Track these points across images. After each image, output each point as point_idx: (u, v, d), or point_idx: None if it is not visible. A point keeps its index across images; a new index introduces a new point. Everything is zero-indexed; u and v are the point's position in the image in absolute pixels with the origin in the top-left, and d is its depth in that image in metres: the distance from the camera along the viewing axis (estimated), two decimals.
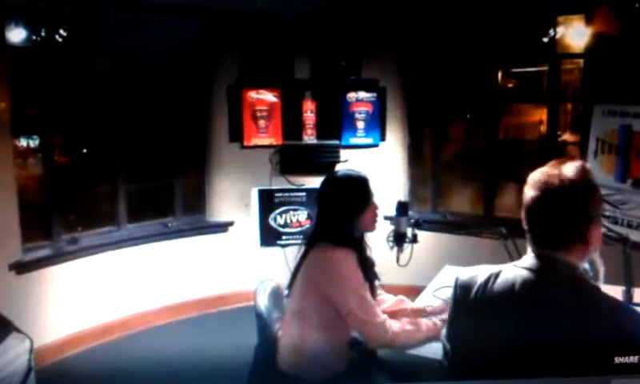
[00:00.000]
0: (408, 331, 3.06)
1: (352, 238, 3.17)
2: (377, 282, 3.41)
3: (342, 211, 3.19)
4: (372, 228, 3.28)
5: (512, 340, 1.98)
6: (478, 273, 2.15)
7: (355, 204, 3.20)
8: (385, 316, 3.06)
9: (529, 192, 2.07)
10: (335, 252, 3.08)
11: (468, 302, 2.15)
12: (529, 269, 2.03)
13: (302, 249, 3.26)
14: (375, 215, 3.26)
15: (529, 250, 2.08)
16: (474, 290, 2.12)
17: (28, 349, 4.64)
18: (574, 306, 1.92)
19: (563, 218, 2.00)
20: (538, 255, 2.03)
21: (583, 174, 2.02)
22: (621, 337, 1.87)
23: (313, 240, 3.22)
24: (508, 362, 1.98)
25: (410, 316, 3.27)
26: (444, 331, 2.27)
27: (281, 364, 3.21)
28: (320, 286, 3.09)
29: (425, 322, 3.13)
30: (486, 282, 2.09)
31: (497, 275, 2.09)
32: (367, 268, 3.21)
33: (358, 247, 3.20)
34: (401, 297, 3.50)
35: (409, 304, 3.45)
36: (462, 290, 2.17)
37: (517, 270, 2.06)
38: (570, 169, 2.03)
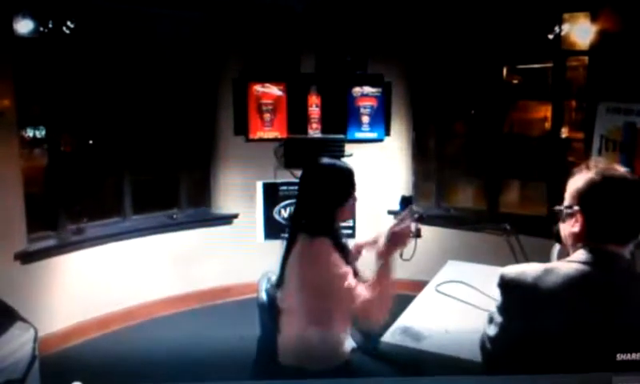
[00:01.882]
0: (372, 285, 3.06)
1: (330, 227, 3.18)
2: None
3: (324, 200, 3.20)
4: (349, 218, 3.32)
5: (572, 334, 1.98)
6: (526, 268, 2.14)
7: (338, 195, 3.21)
8: (353, 283, 3.05)
9: (591, 184, 2.07)
10: (316, 244, 3.09)
11: (518, 299, 2.12)
12: (586, 263, 2.03)
13: (285, 242, 3.29)
14: (354, 207, 3.29)
15: (577, 246, 2.08)
16: (526, 285, 2.09)
17: (32, 338, 4.67)
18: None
19: (633, 213, 2.02)
20: (596, 250, 2.04)
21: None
22: None
23: (292, 229, 3.26)
24: (566, 356, 1.98)
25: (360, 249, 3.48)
26: (488, 328, 2.23)
27: (281, 357, 3.23)
28: (307, 278, 3.10)
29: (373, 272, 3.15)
30: (539, 277, 2.08)
31: (549, 270, 2.08)
32: (345, 252, 3.23)
33: (335, 234, 3.21)
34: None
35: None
36: (510, 287, 2.14)
37: (572, 264, 2.05)
38: (621, 167, 2.06)
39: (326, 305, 3.08)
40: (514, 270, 2.16)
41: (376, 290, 3.03)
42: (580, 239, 2.11)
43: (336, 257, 3.08)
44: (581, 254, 2.07)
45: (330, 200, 3.20)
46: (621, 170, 2.07)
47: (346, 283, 3.03)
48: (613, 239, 2.03)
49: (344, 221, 3.32)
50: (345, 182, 3.23)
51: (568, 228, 2.16)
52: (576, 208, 2.11)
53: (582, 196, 2.09)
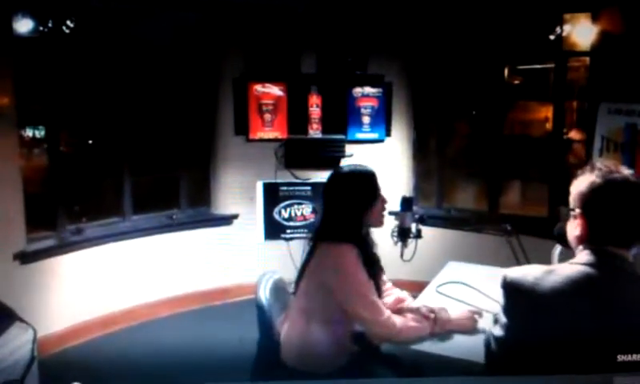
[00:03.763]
0: (411, 327, 3.05)
1: (357, 235, 3.14)
2: (383, 276, 3.42)
3: (349, 207, 3.16)
4: (380, 224, 3.28)
5: (574, 336, 1.97)
6: (528, 270, 2.14)
7: (363, 199, 3.17)
8: (388, 312, 3.05)
9: (594, 187, 2.06)
10: (339, 249, 3.05)
11: (520, 300, 2.12)
12: (588, 264, 2.02)
13: (309, 245, 3.25)
14: (383, 210, 3.25)
15: (580, 248, 2.08)
16: (527, 286, 2.09)
17: (31, 339, 4.65)
18: None
19: (634, 214, 2.02)
20: (598, 251, 2.03)
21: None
22: None
23: (318, 236, 3.21)
24: (569, 358, 1.97)
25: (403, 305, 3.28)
26: (494, 329, 2.23)
27: (284, 358, 3.22)
28: (324, 284, 3.08)
29: (429, 318, 3.12)
30: (541, 278, 2.08)
31: (550, 271, 2.08)
32: (372, 264, 3.20)
33: (363, 243, 3.18)
34: (401, 295, 3.48)
35: (408, 303, 3.43)
36: (512, 288, 2.15)
37: (574, 266, 2.05)
38: (626, 169, 2.05)
39: (339, 309, 3.07)
40: (517, 271, 2.16)
41: (409, 331, 3.04)
42: (583, 241, 2.11)
43: (358, 265, 3.05)
44: (583, 256, 2.07)
45: (355, 205, 3.16)
46: (624, 171, 2.06)
47: (363, 291, 3.03)
48: (615, 242, 2.03)
49: (375, 226, 3.28)
50: (367, 184, 3.20)
51: (572, 230, 2.15)
52: (578, 211, 2.10)
53: (584, 199, 2.09)
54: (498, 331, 2.19)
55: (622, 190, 2.03)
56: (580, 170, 2.14)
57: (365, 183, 3.20)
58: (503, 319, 2.18)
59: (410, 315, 3.14)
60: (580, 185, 2.11)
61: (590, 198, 2.07)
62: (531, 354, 2.07)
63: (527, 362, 2.08)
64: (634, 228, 2.03)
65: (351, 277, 3.02)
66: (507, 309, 2.18)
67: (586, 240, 2.09)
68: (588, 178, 2.09)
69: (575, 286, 2.01)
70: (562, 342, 1.99)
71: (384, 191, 3.27)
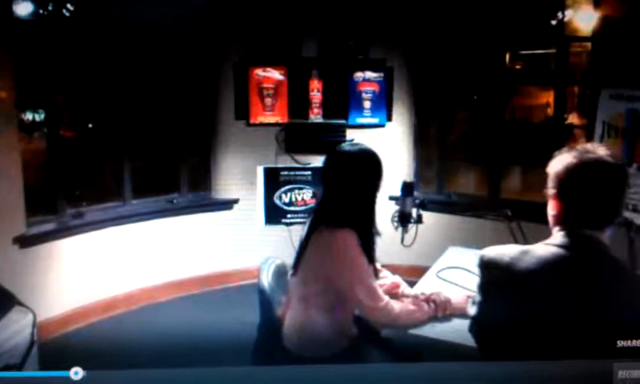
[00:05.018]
0: (409, 311, 3.05)
1: (357, 218, 3.09)
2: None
3: (357, 190, 3.11)
4: None
5: (546, 316, 1.98)
6: (505, 250, 2.15)
7: (374, 182, 3.14)
8: (387, 298, 3.05)
9: (567, 169, 2.06)
10: (339, 234, 3.02)
11: (495, 279, 2.15)
12: (562, 246, 2.02)
13: (305, 228, 3.23)
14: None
15: (556, 230, 2.08)
16: (502, 266, 2.11)
17: (31, 322, 4.66)
18: (615, 284, 1.93)
19: (607, 197, 2.01)
20: (573, 233, 2.03)
21: (617, 159, 2.04)
22: None
23: (317, 220, 3.16)
24: (538, 339, 1.98)
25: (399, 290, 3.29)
26: (470, 309, 2.25)
27: (285, 342, 3.22)
28: (324, 269, 3.07)
29: (427, 304, 3.12)
30: (516, 258, 2.09)
31: (526, 252, 2.09)
32: (371, 248, 3.19)
33: (363, 226, 3.16)
34: (396, 280, 3.47)
35: (404, 289, 3.43)
36: (489, 267, 2.17)
37: (548, 247, 2.05)
38: (604, 151, 2.04)
39: (339, 294, 3.06)
40: (493, 250, 2.18)
41: (408, 316, 3.06)
42: (558, 222, 2.11)
43: (358, 250, 3.02)
44: (558, 237, 2.08)
45: (364, 189, 3.12)
46: (600, 152, 2.06)
47: (364, 278, 3.03)
48: (589, 223, 2.03)
49: None
50: (377, 166, 3.16)
51: (549, 210, 2.16)
52: (553, 191, 2.11)
53: (559, 179, 2.10)
54: (473, 310, 2.21)
55: (596, 170, 2.03)
56: (558, 151, 2.14)
57: (377, 165, 3.16)
58: (478, 298, 2.21)
59: (407, 300, 3.14)
60: (556, 165, 2.12)
61: (564, 179, 2.08)
62: (503, 334, 2.09)
63: (500, 341, 2.11)
64: (607, 210, 2.03)
65: (351, 262, 3.01)
66: (482, 287, 2.21)
67: (561, 221, 2.09)
68: (564, 159, 2.10)
69: (548, 267, 2.02)
70: (534, 322, 2.00)
71: (384, 176, 3.26)
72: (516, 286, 2.06)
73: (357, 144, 3.29)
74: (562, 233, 2.06)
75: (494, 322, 2.13)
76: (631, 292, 1.93)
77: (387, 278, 3.45)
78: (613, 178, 2.01)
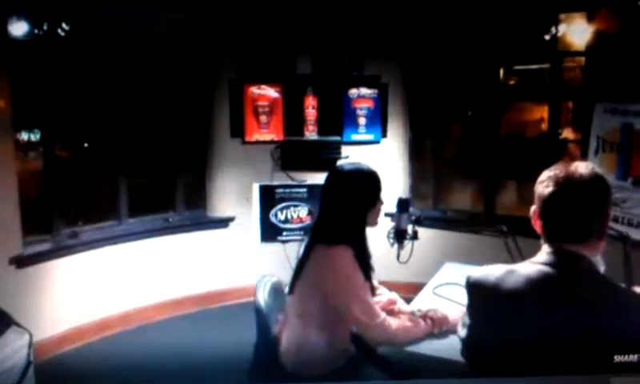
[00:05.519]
0: (406, 328, 3.05)
1: (354, 235, 3.12)
2: (373, 277, 3.42)
3: (351, 206, 3.13)
4: (375, 223, 3.27)
5: (534, 335, 1.97)
6: (491, 270, 2.15)
7: (367, 199, 3.16)
8: (384, 315, 3.05)
9: (546, 187, 2.07)
10: (335, 251, 3.04)
11: (482, 300, 2.16)
12: (547, 264, 2.03)
13: (302, 246, 3.24)
14: (380, 210, 3.25)
15: (544, 246, 2.08)
16: (488, 286, 2.12)
17: (27, 343, 4.64)
18: (600, 300, 1.92)
19: (584, 212, 2.01)
20: (556, 251, 2.03)
21: (598, 173, 2.03)
22: None
23: (314, 237, 3.19)
24: (528, 358, 1.98)
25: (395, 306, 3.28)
26: (460, 331, 2.26)
27: (282, 360, 3.21)
28: (321, 286, 3.07)
29: (423, 320, 3.12)
30: (502, 278, 2.09)
31: (511, 271, 2.09)
32: (367, 264, 3.20)
33: (360, 244, 3.18)
34: (393, 297, 3.47)
35: (400, 306, 3.42)
36: (475, 288, 2.18)
37: (533, 266, 2.06)
38: (585, 167, 2.04)
39: (336, 312, 3.07)
40: (480, 271, 2.19)
41: (405, 333, 3.06)
42: (544, 239, 2.12)
43: (354, 266, 3.05)
44: (542, 255, 2.09)
45: (358, 204, 3.14)
46: (578, 168, 2.05)
47: (361, 295, 3.04)
48: (571, 238, 2.03)
49: (371, 226, 3.27)
50: (372, 183, 3.18)
51: (534, 225, 2.17)
52: (535, 208, 2.13)
53: (537, 197, 2.11)
54: (463, 332, 2.21)
55: (568, 186, 2.03)
56: (545, 170, 2.15)
57: (371, 181, 3.18)
58: (467, 320, 2.21)
59: (404, 317, 3.14)
60: (539, 184, 2.12)
61: (540, 196, 2.09)
62: (494, 355, 2.09)
63: (491, 363, 2.11)
64: (584, 224, 2.02)
65: (347, 279, 3.02)
66: (470, 309, 2.22)
67: (545, 237, 2.10)
68: (542, 176, 2.10)
69: (533, 285, 2.02)
70: (522, 342, 2.00)
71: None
72: (502, 306, 2.07)
73: (355, 163, 3.29)
74: (546, 250, 2.07)
75: (484, 344, 2.14)
76: (615, 307, 1.93)
77: (383, 295, 3.45)
78: (585, 192, 2.01)
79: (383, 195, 3.23)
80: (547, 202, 2.07)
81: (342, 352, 3.20)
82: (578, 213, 2.03)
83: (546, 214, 2.08)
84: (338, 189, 3.19)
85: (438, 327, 3.09)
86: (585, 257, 2.01)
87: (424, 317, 3.14)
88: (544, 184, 2.08)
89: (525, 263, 2.11)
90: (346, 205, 3.14)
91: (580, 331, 1.89)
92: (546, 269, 2.02)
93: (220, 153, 6.69)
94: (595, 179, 2.02)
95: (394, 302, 3.42)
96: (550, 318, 1.96)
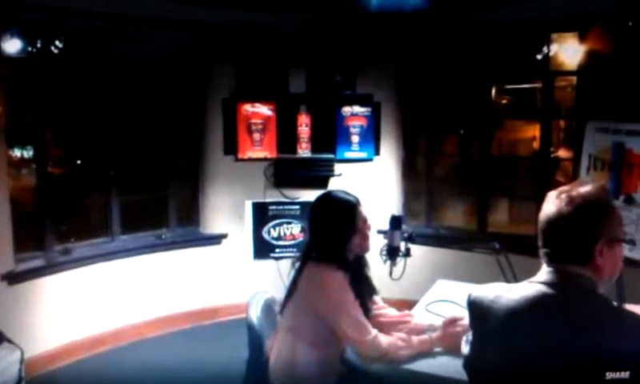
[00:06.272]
0: (398, 346, 3.06)
1: (342, 258, 3.17)
2: (375, 295, 3.43)
3: (330, 234, 3.20)
4: (363, 250, 3.29)
5: (529, 354, 1.97)
6: (490, 288, 2.16)
7: (342, 230, 3.20)
8: (375, 332, 3.06)
9: (545, 207, 2.07)
10: (326, 270, 3.09)
11: (480, 318, 2.15)
12: (544, 283, 2.03)
13: (296, 265, 3.26)
14: (364, 239, 3.26)
15: (544, 266, 2.09)
16: (486, 304, 2.12)
17: (19, 359, 4.63)
18: (595, 320, 1.92)
19: (575, 233, 2.01)
20: (553, 270, 2.04)
21: (598, 194, 2.03)
22: None
23: (306, 256, 3.23)
24: (525, 378, 1.97)
25: (413, 331, 3.26)
26: (463, 348, 2.26)
27: (272, 379, 3.21)
28: (312, 304, 3.09)
29: (417, 338, 3.12)
30: (499, 296, 2.09)
31: (510, 290, 2.10)
32: (359, 284, 3.22)
33: (353, 266, 3.21)
34: (408, 312, 3.51)
35: (416, 321, 3.43)
36: (474, 306, 2.18)
37: (532, 285, 2.05)
38: (586, 188, 2.05)
39: (327, 329, 3.09)
40: (481, 289, 2.19)
41: (397, 351, 3.05)
42: (543, 259, 2.12)
43: (344, 284, 3.08)
44: (541, 274, 2.07)
45: (335, 233, 3.20)
46: (580, 190, 2.06)
47: (351, 312, 3.06)
48: (571, 260, 2.03)
49: (359, 253, 3.30)
50: (346, 216, 3.22)
51: None
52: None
53: (540, 218, 2.10)
54: (466, 349, 2.22)
55: (560, 207, 2.03)
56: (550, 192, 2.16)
57: (344, 214, 3.23)
58: (470, 337, 2.21)
59: (397, 335, 3.14)
60: (541, 210, 2.13)
61: (543, 218, 2.08)
62: (492, 373, 2.10)
63: (491, 380, 2.11)
64: (583, 244, 2.02)
65: (337, 296, 3.04)
66: (472, 326, 2.21)
67: (545, 257, 2.11)
68: (548, 197, 2.11)
69: (529, 304, 2.01)
70: (520, 360, 2.00)
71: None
72: (498, 324, 2.06)
73: (339, 194, 3.36)
74: (546, 269, 2.07)
75: (483, 362, 2.14)
76: (613, 328, 1.92)
77: (386, 309, 3.48)
78: (579, 214, 2.01)
79: (368, 219, 3.28)
80: (543, 222, 2.08)
81: (332, 371, 3.21)
82: (568, 233, 2.03)
83: (544, 235, 2.08)
84: (317, 217, 3.29)
85: (441, 345, 3.10)
86: (581, 276, 2.01)
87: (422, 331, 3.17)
88: (543, 205, 2.09)
89: (524, 282, 2.11)
90: (327, 233, 3.21)
91: (577, 351, 1.89)
92: (544, 288, 2.02)
93: (213, 170, 6.69)
94: (589, 200, 2.02)
95: (408, 315, 3.45)
96: (545, 336, 1.96)
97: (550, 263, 2.06)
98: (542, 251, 2.09)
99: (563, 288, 1.99)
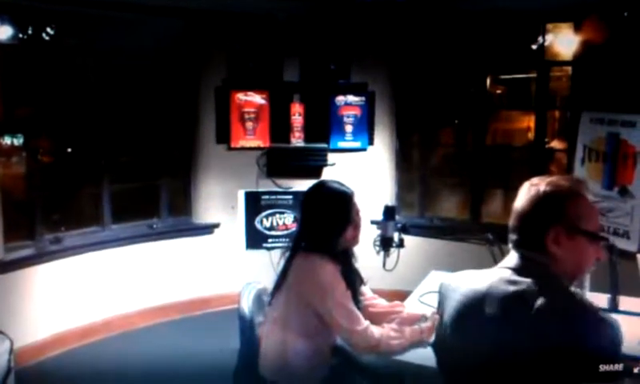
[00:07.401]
0: (390, 337, 3.03)
1: (333, 249, 3.14)
2: (363, 286, 3.40)
3: (324, 225, 3.17)
4: (354, 243, 3.27)
5: (483, 340, 1.97)
6: (460, 275, 2.18)
7: (337, 221, 3.17)
8: (367, 322, 3.03)
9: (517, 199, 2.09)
10: (317, 260, 3.06)
11: (442, 304, 2.19)
12: (509, 268, 2.02)
13: (286, 255, 3.23)
14: (356, 232, 3.23)
15: (511, 251, 2.08)
16: (451, 290, 2.15)
17: (8, 349, 4.60)
18: (547, 307, 1.89)
19: (529, 218, 2.02)
20: (517, 255, 2.04)
21: (565, 184, 2.01)
22: (595, 342, 1.85)
23: (296, 246, 3.20)
24: (490, 366, 1.96)
25: (405, 322, 3.23)
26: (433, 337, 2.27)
27: (262, 370, 3.19)
28: (303, 294, 3.07)
29: (409, 328, 3.10)
30: (463, 282, 2.12)
31: (475, 274, 2.11)
32: (350, 276, 3.19)
33: (341, 257, 3.19)
34: (398, 303, 3.47)
35: (408, 311, 3.40)
36: (440, 291, 2.23)
37: (499, 270, 2.05)
38: (555, 178, 2.04)
39: (318, 319, 3.06)
40: (452, 275, 2.22)
41: (389, 341, 3.03)
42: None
43: (335, 274, 3.06)
44: (509, 259, 2.08)
45: (328, 225, 3.17)
46: (536, 180, 2.06)
47: (343, 302, 3.03)
48: (528, 246, 2.03)
49: (350, 245, 3.27)
50: (340, 208, 3.19)
51: None
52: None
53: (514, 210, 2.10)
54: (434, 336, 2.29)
55: (523, 196, 2.06)
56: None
57: (338, 207, 3.19)
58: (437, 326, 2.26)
59: (389, 326, 3.11)
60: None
61: (512, 211, 2.10)
62: (454, 356, 2.12)
63: (453, 363, 2.15)
64: (535, 230, 2.01)
65: (329, 286, 3.01)
66: (438, 311, 2.26)
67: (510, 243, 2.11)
68: (521, 192, 2.11)
69: (486, 290, 2.02)
70: (472, 346, 2.01)
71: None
72: (455, 309, 2.09)
73: (334, 184, 3.30)
74: (512, 254, 2.07)
75: (444, 344, 2.17)
76: (564, 315, 1.90)
77: (376, 299, 3.44)
78: (533, 198, 2.01)
79: (361, 211, 3.24)
80: (514, 208, 2.09)
81: (324, 362, 3.19)
82: (521, 219, 2.05)
83: (512, 219, 2.09)
84: (310, 207, 3.25)
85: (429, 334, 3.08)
86: (540, 263, 1.99)
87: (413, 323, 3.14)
88: (519, 198, 2.09)
89: (493, 268, 2.10)
90: (321, 223, 3.18)
91: (525, 338, 1.87)
92: (507, 273, 2.01)
93: (205, 159, 6.65)
94: (549, 188, 2.01)
95: (399, 305, 3.42)
96: (497, 322, 1.95)
97: (513, 248, 2.06)
98: (509, 236, 2.09)
99: (525, 274, 1.97)
